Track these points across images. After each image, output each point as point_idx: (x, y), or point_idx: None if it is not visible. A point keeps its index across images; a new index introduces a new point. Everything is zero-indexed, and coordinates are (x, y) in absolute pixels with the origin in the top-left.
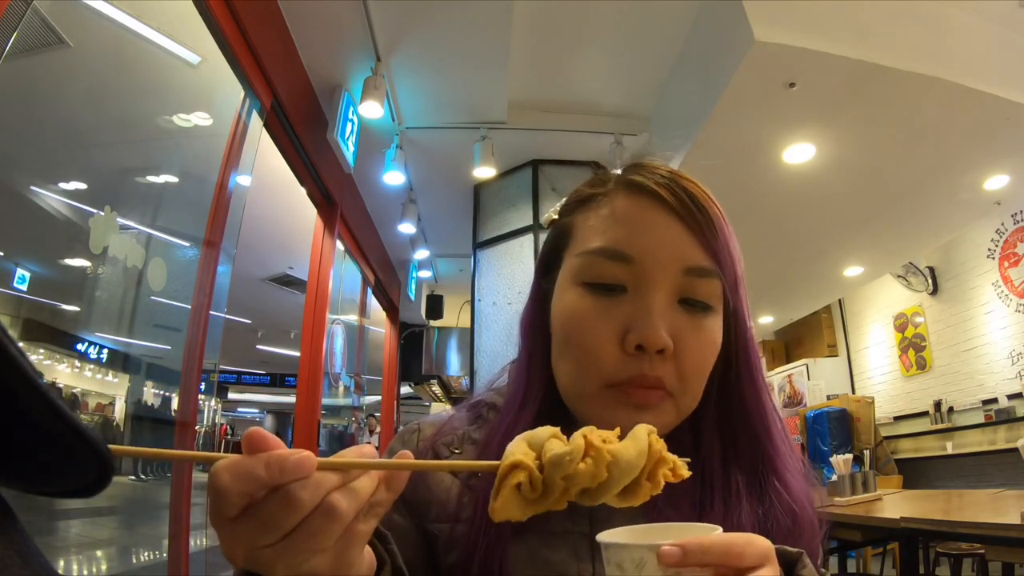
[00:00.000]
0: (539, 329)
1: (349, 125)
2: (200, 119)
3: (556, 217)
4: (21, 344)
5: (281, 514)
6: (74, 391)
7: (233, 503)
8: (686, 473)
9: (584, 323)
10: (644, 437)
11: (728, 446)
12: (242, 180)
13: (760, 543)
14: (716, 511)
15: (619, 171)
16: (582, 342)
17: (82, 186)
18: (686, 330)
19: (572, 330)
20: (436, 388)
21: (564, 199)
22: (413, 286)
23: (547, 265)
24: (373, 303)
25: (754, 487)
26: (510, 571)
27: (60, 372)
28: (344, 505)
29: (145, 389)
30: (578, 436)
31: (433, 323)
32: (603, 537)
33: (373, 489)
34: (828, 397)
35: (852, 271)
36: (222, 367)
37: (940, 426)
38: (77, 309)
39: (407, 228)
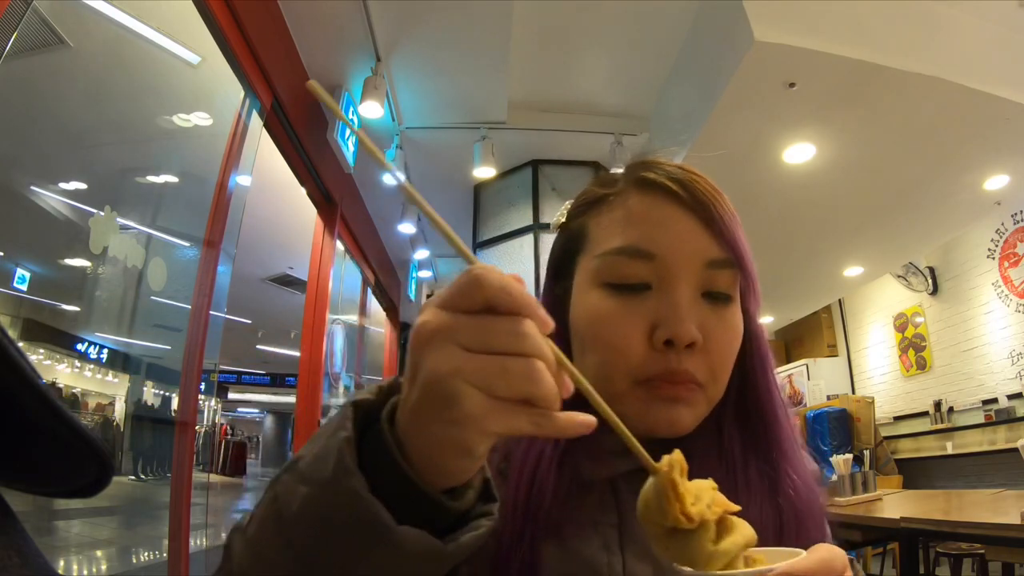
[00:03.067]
0: (552, 336)
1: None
2: (200, 119)
3: (564, 221)
4: (21, 344)
5: (512, 334)
6: (74, 391)
7: (484, 295)
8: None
9: (610, 321)
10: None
11: (747, 435)
12: (242, 180)
13: (840, 557)
14: (742, 503)
15: (623, 170)
16: (609, 340)
17: (82, 186)
18: (712, 322)
19: (598, 329)
20: None
21: (572, 201)
22: (413, 286)
23: (559, 270)
24: (373, 303)
25: (768, 476)
26: (541, 561)
27: (60, 372)
28: (550, 355)
29: (145, 389)
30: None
31: None
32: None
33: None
34: (828, 397)
35: (852, 271)
36: (222, 367)
37: (940, 426)
38: (77, 309)
39: (407, 228)
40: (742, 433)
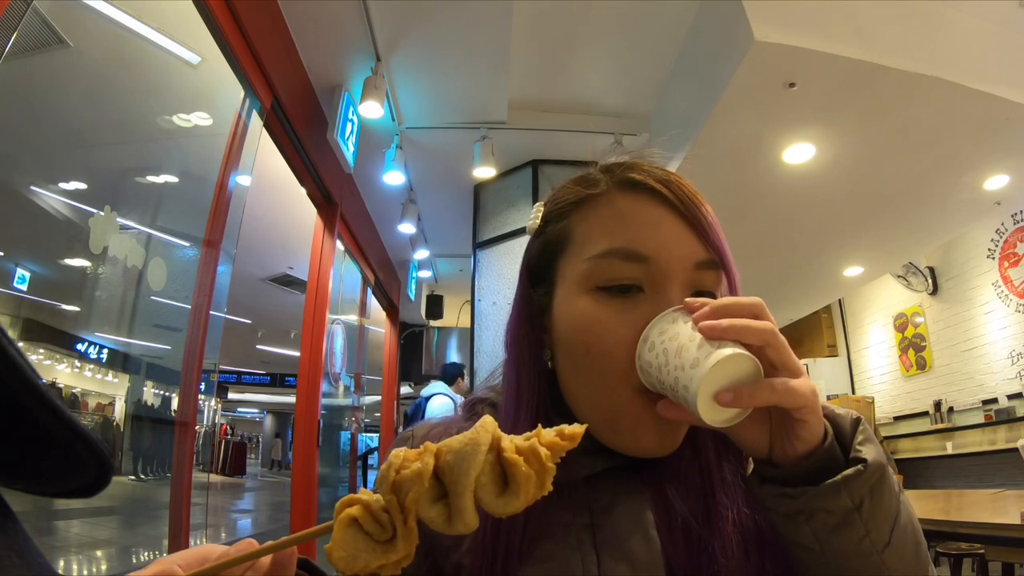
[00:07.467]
0: (531, 343)
1: (349, 125)
2: (200, 119)
3: (541, 223)
4: (21, 344)
5: None
6: (74, 391)
7: None
8: (579, 431)
9: (604, 328)
10: (485, 422)
11: (720, 434)
12: (242, 180)
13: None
14: (719, 500)
15: (604, 170)
16: (603, 347)
17: (82, 186)
18: None
19: (592, 337)
20: None
21: (544, 203)
22: (413, 286)
23: (537, 275)
24: (373, 303)
25: (742, 475)
26: (514, 566)
27: (60, 372)
28: None
29: (145, 389)
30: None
31: (433, 323)
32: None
33: None
34: (828, 397)
35: (852, 271)
36: (222, 367)
37: (940, 426)
38: (77, 309)
39: (407, 228)
40: (715, 432)
